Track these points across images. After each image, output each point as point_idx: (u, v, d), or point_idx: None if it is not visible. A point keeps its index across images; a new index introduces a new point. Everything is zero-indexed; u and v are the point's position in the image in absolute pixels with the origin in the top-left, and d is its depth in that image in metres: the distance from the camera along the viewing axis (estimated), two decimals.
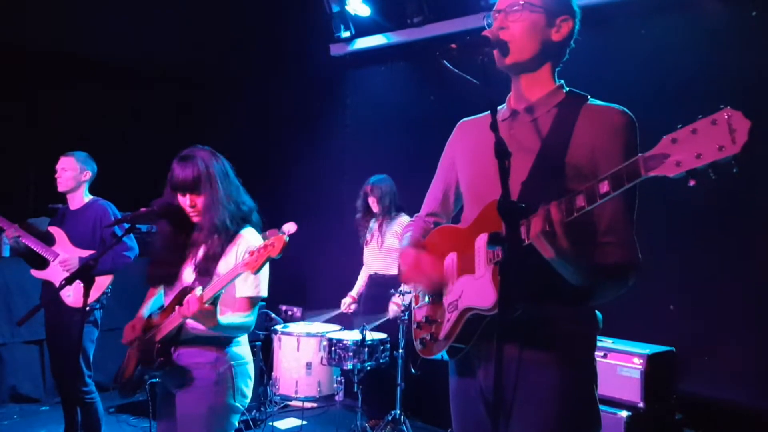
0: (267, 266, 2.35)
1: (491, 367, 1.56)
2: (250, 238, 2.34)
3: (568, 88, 1.68)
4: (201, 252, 2.30)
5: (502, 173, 1.34)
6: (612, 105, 1.60)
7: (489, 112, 1.81)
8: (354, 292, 4.80)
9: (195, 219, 2.35)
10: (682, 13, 3.91)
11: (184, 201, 2.33)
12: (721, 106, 1.10)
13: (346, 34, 5.70)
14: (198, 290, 2.05)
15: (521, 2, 1.59)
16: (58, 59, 6.11)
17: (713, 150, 1.09)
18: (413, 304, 1.87)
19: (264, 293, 2.35)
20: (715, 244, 3.68)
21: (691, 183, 1.13)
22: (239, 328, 2.29)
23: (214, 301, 2.07)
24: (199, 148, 2.41)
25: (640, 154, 1.20)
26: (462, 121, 1.90)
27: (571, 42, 1.68)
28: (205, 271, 2.25)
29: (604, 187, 1.26)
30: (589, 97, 1.65)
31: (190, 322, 2.21)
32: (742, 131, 1.06)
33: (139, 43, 5.91)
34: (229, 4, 5.92)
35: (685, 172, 1.13)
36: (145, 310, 2.49)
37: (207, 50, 6.25)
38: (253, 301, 2.31)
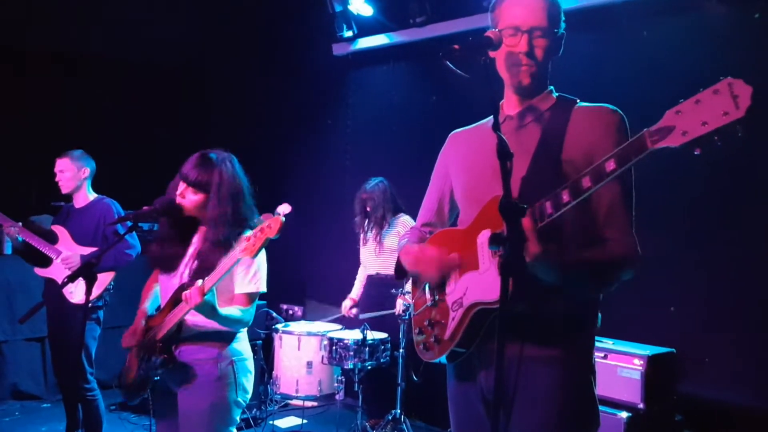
0: (265, 262, 2.37)
1: (491, 369, 1.56)
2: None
3: (557, 93, 1.72)
4: (197, 263, 2.29)
5: (504, 173, 1.36)
6: (601, 104, 1.64)
7: (480, 122, 1.87)
8: (354, 294, 4.79)
9: (178, 201, 2.35)
10: (685, 14, 3.91)
11: (180, 187, 2.34)
12: (721, 78, 1.13)
13: (348, 34, 5.69)
14: (199, 281, 2.07)
15: (543, 26, 1.60)
16: (61, 57, 6.13)
17: (718, 116, 1.13)
18: (413, 311, 1.87)
19: (263, 288, 2.36)
20: (716, 246, 3.68)
21: (697, 152, 1.17)
22: (238, 322, 2.30)
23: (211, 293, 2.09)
24: (226, 155, 2.40)
25: (645, 129, 1.23)
26: (453, 132, 1.93)
27: None
28: (202, 272, 2.25)
29: (611, 165, 1.28)
30: (578, 100, 1.69)
31: (190, 318, 2.23)
32: (745, 96, 1.11)
33: (142, 42, 5.92)
34: (231, 3, 5.93)
35: (691, 140, 1.16)
36: (146, 306, 2.50)
37: (209, 49, 6.27)
38: (251, 297, 2.33)
